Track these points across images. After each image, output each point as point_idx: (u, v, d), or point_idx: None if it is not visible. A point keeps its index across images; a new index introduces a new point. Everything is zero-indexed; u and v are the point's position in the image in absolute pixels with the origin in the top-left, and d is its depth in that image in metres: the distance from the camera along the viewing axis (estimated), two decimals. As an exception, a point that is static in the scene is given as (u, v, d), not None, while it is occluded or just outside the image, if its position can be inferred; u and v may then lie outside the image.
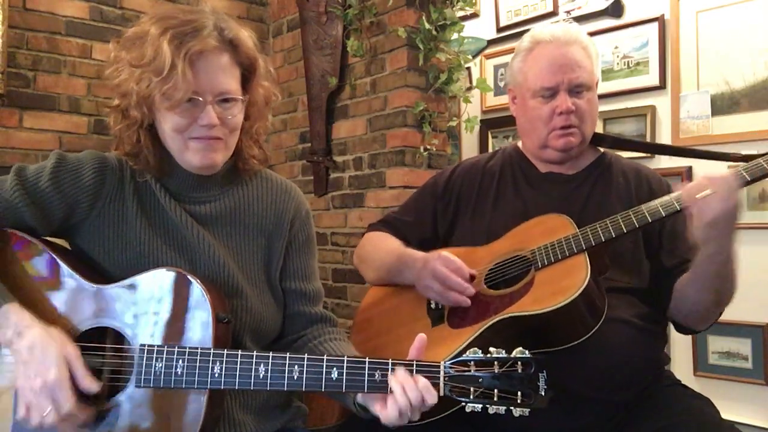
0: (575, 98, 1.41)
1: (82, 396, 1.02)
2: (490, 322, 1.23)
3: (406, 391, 0.99)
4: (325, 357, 1.04)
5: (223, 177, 1.25)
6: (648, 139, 2.71)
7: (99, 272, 1.17)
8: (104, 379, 1.07)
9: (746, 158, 1.22)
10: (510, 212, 1.45)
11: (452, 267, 1.34)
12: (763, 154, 1.20)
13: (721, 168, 1.27)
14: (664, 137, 2.70)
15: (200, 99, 1.11)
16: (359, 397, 1.10)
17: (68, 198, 1.15)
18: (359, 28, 2.78)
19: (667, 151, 1.67)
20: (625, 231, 1.25)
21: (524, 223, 1.40)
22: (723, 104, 2.54)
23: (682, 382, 1.40)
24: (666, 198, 1.26)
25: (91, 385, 1.01)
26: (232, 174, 1.27)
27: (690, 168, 2.58)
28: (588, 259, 1.23)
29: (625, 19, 2.84)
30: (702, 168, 2.49)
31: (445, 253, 1.37)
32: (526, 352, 1.01)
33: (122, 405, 1.06)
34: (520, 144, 1.59)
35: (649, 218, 1.25)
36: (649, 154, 2.63)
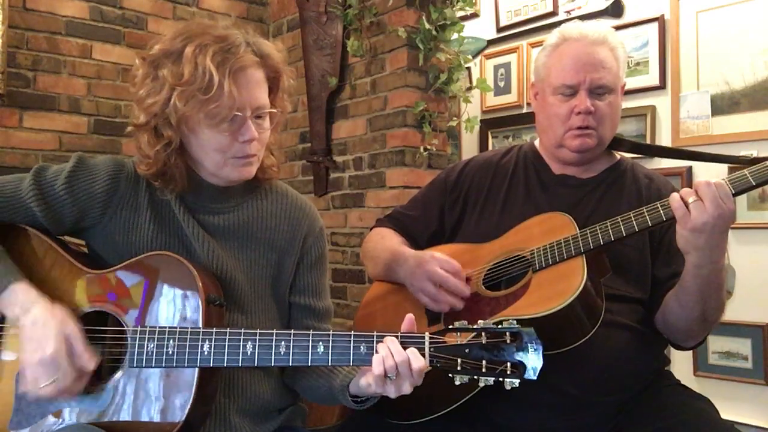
0: (596, 100, 1.38)
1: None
2: None
3: (392, 352, 1.01)
4: (311, 332, 1.06)
5: (243, 187, 1.27)
6: (648, 140, 2.71)
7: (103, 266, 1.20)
8: (103, 362, 1.10)
9: (754, 161, 1.20)
10: (519, 214, 1.43)
11: (449, 269, 1.32)
12: None
13: (719, 172, 1.24)
14: (664, 137, 2.70)
15: (240, 114, 1.13)
16: (352, 387, 1.12)
17: (80, 203, 1.17)
18: (359, 28, 2.78)
19: (685, 156, 1.62)
20: (625, 234, 1.21)
21: (527, 221, 1.39)
22: (723, 104, 2.54)
23: (682, 382, 1.40)
24: (664, 201, 1.21)
25: (88, 362, 1.05)
26: (251, 183, 1.27)
27: (690, 168, 2.58)
28: (585, 263, 1.22)
29: (625, 19, 2.85)
30: (703, 169, 2.50)
31: (439, 254, 1.35)
32: (515, 322, 0.99)
33: (117, 386, 1.09)
34: (537, 143, 1.57)
35: (649, 222, 1.20)
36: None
